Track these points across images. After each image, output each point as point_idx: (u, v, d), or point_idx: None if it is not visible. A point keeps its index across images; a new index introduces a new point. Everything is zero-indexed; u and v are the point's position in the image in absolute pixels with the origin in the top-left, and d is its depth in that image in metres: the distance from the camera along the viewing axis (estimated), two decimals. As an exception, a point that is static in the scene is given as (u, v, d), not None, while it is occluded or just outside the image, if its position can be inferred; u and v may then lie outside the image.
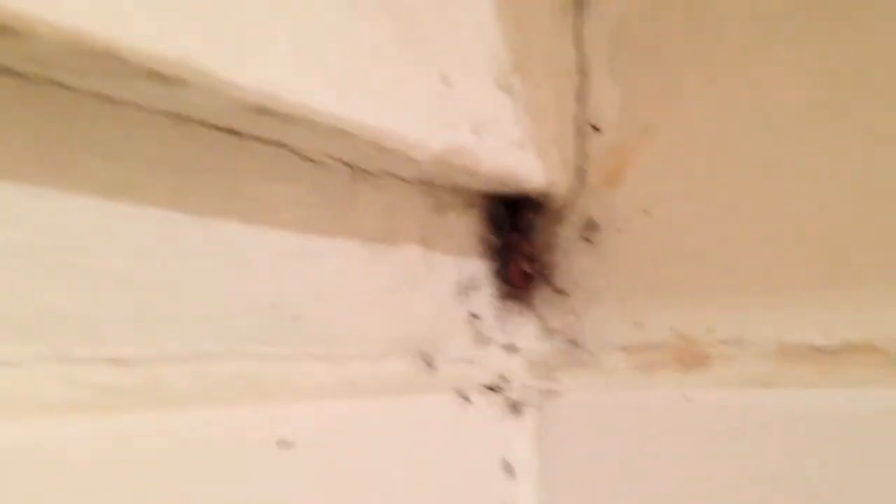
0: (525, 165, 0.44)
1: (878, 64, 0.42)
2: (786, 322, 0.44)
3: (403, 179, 0.42)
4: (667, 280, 0.47)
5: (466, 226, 0.47)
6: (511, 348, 0.48)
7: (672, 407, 0.46)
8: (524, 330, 0.49)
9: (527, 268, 0.48)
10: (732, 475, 0.43)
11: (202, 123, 0.33)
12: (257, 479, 0.33)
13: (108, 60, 0.26)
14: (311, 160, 0.38)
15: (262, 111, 0.32)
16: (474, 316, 0.47)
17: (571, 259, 0.49)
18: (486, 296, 0.48)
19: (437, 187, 0.44)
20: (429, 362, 0.43)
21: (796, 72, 0.44)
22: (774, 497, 0.42)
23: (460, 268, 0.46)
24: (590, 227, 0.49)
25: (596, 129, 0.49)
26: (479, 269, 0.47)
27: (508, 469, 0.47)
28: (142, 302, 0.31)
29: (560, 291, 0.49)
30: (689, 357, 0.46)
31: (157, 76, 0.28)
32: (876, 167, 0.42)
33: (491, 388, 0.46)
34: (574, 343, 0.49)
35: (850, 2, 0.42)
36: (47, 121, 0.29)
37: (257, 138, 0.35)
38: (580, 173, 0.49)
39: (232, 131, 0.34)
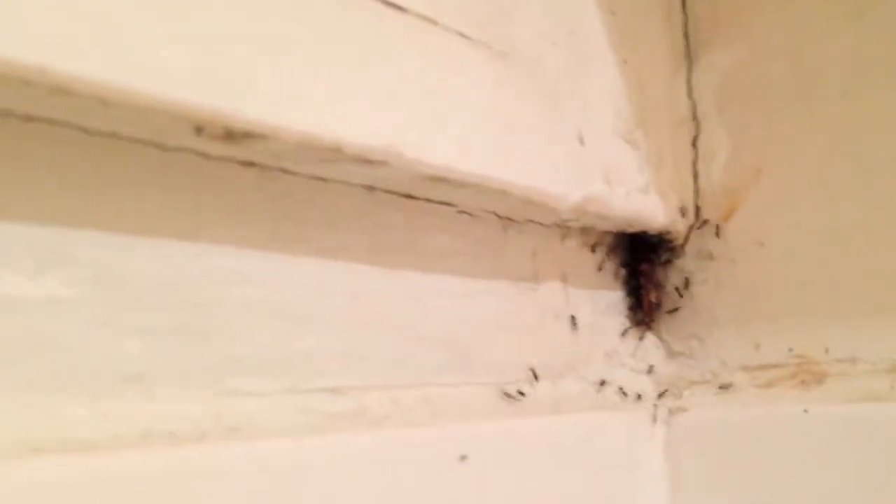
0: (649, 208, 0.50)
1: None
2: (897, 341, 0.48)
3: (544, 225, 0.49)
4: (782, 304, 0.52)
5: (598, 262, 0.53)
6: (641, 370, 0.54)
7: (792, 421, 0.50)
8: (653, 353, 0.54)
9: (654, 298, 0.53)
10: (849, 485, 0.47)
11: (387, 191, 0.40)
12: (441, 488, 0.39)
13: (332, 153, 0.33)
14: (469, 214, 0.44)
15: (439, 180, 0.38)
16: (610, 342, 0.52)
17: (692, 288, 0.54)
18: (618, 323, 0.53)
19: (573, 230, 0.50)
20: (570, 385, 0.49)
21: (894, 115, 0.48)
22: (888, 500, 0.46)
23: (595, 299, 0.52)
24: (707, 259, 0.54)
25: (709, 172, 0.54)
26: (610, 299, 0.53)
27: (643, 479, 0.52)
28: (349, 342, 0.38)
29: (683, 318, 0.54)
30: (807, 375, 0.50)
31: (365, 160, 0.35)
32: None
33: (624, 406, 0.52)
34: (699, 364, 0.54)
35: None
36: (276, 199, 0.36)
37: (428, 200, 0.42)
38: (697, 211, 0.54)
39: (408, 196, 0.41)
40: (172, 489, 0.29)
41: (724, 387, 0.53)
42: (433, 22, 0.37)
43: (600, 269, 0.53)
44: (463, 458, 0.40)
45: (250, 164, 0.35)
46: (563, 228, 0.50)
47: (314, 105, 0.32)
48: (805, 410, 0.49)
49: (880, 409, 0.47)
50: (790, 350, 0.51)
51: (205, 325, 0.32)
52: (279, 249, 0.36)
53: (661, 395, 0.54)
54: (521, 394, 0.45)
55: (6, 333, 0.27)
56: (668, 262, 0.55)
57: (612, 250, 0.54)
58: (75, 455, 0.28)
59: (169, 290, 0.32)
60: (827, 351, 0.50)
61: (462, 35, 0.39)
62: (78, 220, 0.29)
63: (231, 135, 0.31)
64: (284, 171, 0.36)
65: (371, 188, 0.39)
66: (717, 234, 0.54)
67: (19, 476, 0.26)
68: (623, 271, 0.54)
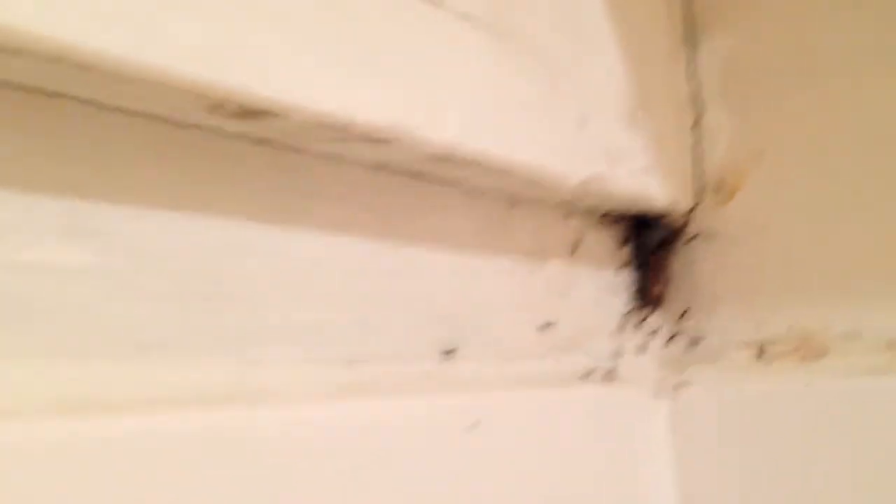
0: (651, 188, 0.51)
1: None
2: (896, 316, 0.49)
3: (549, 204, 0.50)
4: (784, 281, 0.53)
5: (601, 241, 0.54)
6: (645, 346, 0.55)
7: (793, 396, 0.51)
8: (658, 330, 0.55)
9: (660, 287, 0.54)
10: (850, 457, 0.48)
11: (394, 171, 0.41)
12: (453, 454, 0.41)
13: (341, 131, 0.35)
14: (475, 193, 0.46)
15: (445, 159, 0.40)
16: (614, 318, 0.54)
17: (696, 266, 0.55)
18: (622, 301, 0.55)
19: (577, 210, 0.52)
20: (576, 360, 0.50)
21: (894, 94, 0.49)
22: (889, 477, 0.47)
23: (599, 277, 0.53)
24: (709, 238, 0.55)
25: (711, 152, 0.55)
26: (614, 278, 0.54)
27: (646, 452, 0.53)
28: (360, 315, 0.39)
29: (686, 296, 0.56)
30: (809, 350, 0.52)
31: (373, 139, 0.36)
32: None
33: (630, 382, 0.53)
34: (702, 340, 0.55)
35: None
36: (288, 176, 0.37)
37: (435, 180, 0.43)
38: (699, 192, 0.55)
39: (415, 175, 0.43)
40: (196, 451, 0.31)
41: (726, 363, 0.54)
42: (439, 5, 0.39)
43: (604, 248, 0.54)
44: (474, 426, 0.42)
45: (264, 141, 0.36)
46: (568, 208, 0.51)
47: (326, 85, 0.34)
48: (806, 385, 0.51)
49: (880, 383, 0.49)
50: (792, 326, 0.52)
51: (224, 294, 0.34)
52: (293, 223, 0.37)
53: (664, 372, 0.55)
54: (525, 368, 0.46)
55: (37, 298, 0.29)
56: (672, 241, 0.56)
57: (615, 230, 0.55)
58: (102, 416, 0.29)
59: (191, 261, 0.33)
60: (828, 327, 0.51)
61: (466, 18, 0.40)
62: (104, 193, 0.31)
63: (245, 112, 0.32)
64: (296, 149, 0.37)
65: (379, 167, 0.41)
66: (721, 215, 0.55)
67: (48, 435, 0.28)
68: (627, 250, 0.55)
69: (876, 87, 0.50)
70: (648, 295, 0.55)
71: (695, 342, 0.55)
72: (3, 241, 0.28)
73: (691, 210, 0.55)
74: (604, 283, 0.54)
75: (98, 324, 0.30)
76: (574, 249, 0.52)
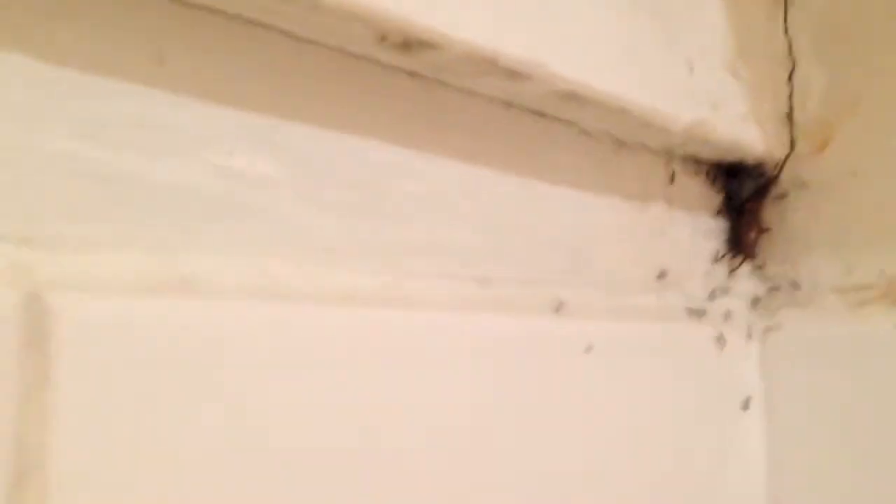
0: (749, 136, 0.54)
1: None
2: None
3: (652, 150, 0.53)
4: (874, 228, 0.55)
5: (699, 188, 0.57)
6: (738, 290, 0.58)
7: (881, 337, 0.53)
8: (749, 275, 0.58)
9: (755, 234, 0.57)
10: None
11: (521, 108, 0.45)
12: (569, 373, 0.44)
13: (489, 63, 0.38)
14: (589, 134, 0.49)
15: (571, 97, 0.43)
16: (709, 262, 0.56)
17: (788, 214, 0.58)
18: (718, 246, 0.57)
19: (677, 157, 0.54)
20: (674, 298, 0.53)
21: None
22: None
23: (696, 223, 0.56)
24: (801, 188, 0.57)
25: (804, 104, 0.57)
26: (711, 224, 0.57)
27: (737, 391, 0.56)
28: (490, 238, 0.43)
29: (779, 242, 0.58)
30: (897, 294, 0.54)
31: (512, 73, 0.39)
32: None
33: (723, 323, 0.56)
34: (793, 286, 0.58)
35: None
36: (434, 107, 0.41)
37: (556, 118, 0.46)
38: (792, 142, 0.58)
39: (539, 113, 0.46)
40: (360, 342, 0.35)
41: (817, 307, 0.56)
42: (572, -47, 0.42)
43: (702, 194, 0.57)
44: (588, 349, 0.45)
45: (416, 74, 0.39)
46: (669, 155, 0.54)
47: (478, 20, 0.37)
48: (894, 327, 0.53)
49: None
50: (882, 271, 0.55)
51: (380, 209, 0.38)
52: (435, 151, 0.41)
53: (757, 314, 0.58)
54: (629, 300, 0.49)
55: (228, 199, 0.32)
56: (766, 190, 0.58)
57: (713, 177, 0.58)
58: (284, 303, 0.33)
59: (354, 176, 0.37)
60: (917, 271, 0.53)
61: (594, -34, 0.43)
62: (285, 112, 0.34)
63: (407, 44, 0.36)
64: (442, 83, 0.41)
65: (509, 104, 0.44)
66: (813, 165, 0.57)
67: (236, 314, 0.32)
68: (723, 197, 0.58)
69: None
70: (742, 241, 0.58)
71: (786, 287, 0.58)
72: (208, 148, 0.32)
73: (785, 159, 0.58)
74: (701, 228, 0.56)
75: (276, 226, 0.34)
76: (674, 194, 0.54)
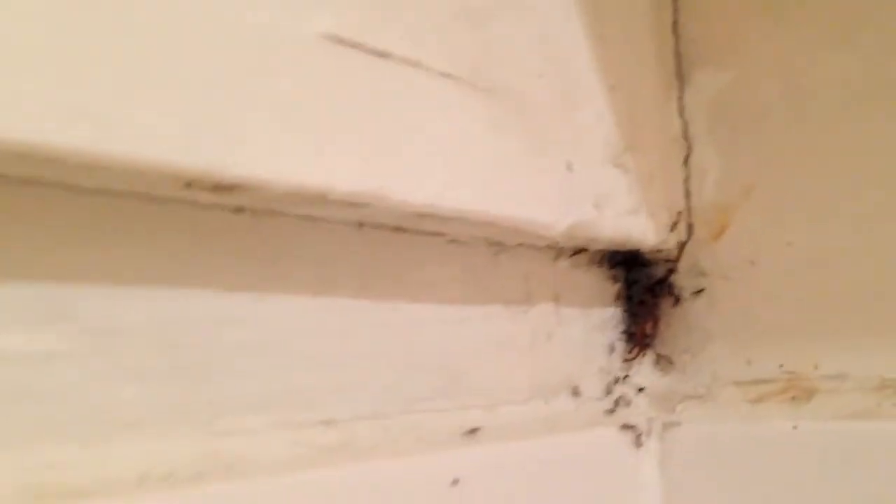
0: (638, 228, 0.51)
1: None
2: (885, 359, 0.49)
3: (536, 247, 0.50)
4: (773, 321, 0.52)
5: (590, 282, 0.54)
6: (634, 385, 0.55)
7: (782, 436, 0.51)
8: (646, 368, 0.55)
9: (650, 330, 0.54)
10: (837, 499, 0.48)
11: (376, 227, 0.41)
12: (433, 512, 0.41)
13: (319, 199, 0.35)
14: (460, 242, 0.46)
15: (426, 216, 0.40)
16: (602, 358, 0.53)
17: (686, 304, 0.55)
18: (611, 340, 0.55)
19: (565, 250, 0.52)
20: (564, 403, 0.50)
21: (886, 134, 0.49)
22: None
23: (587, 317, 0.53)
24: (699, 277, 0.55)
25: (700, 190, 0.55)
26: (603, 316, 0.54)
27: (638, 493, 0.53)
28: (341, 375, 0.39)
29: (676, 333, 0.56)
30: (797, 391, 0.51)
31: (351, 204, 0.36)
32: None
33: (619, 422, 0.53)
34: (691, 380, 0.55)
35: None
36: (267, 241, 0.37)
37: (418, 232, 0.43)
38: (689, 230, 0.55)
39: (398, 229, 0.42)
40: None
41: (716, 402, 0.54)
42: (417, 65, 0.38)
43: (593, 288, 0.54)
44: (455, 482, 0.42)
45: (241, 209, 0.36)
46: (556, 249, 0.51)
47: (300, 155, 0.34)
48: (794, 427, 0.50)
49: (868, 426, 0.48)
50: (781, 366, 0.52)
51: (199, 367, 0.34)
52: (271, 290, 0.37)
53: (655, 410, 0.55)
54: (511, 415, 0.46)
55: (5, 386, 0.29)
56: (662, 280, 0.56)
57: (605, 270, 0.55)
58: (75, 501, 0.29)
59: (164, 337, 0.33)
60: (816, 367, 0.51)
61: (446, 76, 0.40)
62: (73, 275, 0.31)
63: (220, 187, 0.32)
64: (274, 213, 0.37)
65: (360, 224, 0.41)
66: (710, 253, 0.54)
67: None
68: (617, 289, 0.55)
69: (864, 125, 0.50)
70: (638, 334, 0.55)
71: (685, 380, 0.55)
72: (-26, 330, 0.28)
73: (682, 247, 0.55)
74: (593, 324, 0.53)
75: (67, 408, 0.30)
76: (563, 291, 0.52)
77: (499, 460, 0.44)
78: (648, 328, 0.55)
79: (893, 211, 0.48)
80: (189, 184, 0.31)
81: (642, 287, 0.56)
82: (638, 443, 0.54)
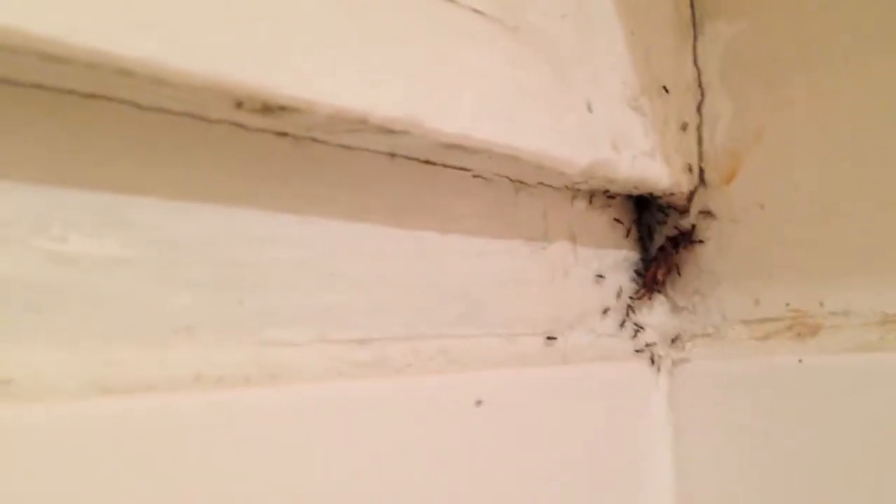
0: (654, 171, 0.53)
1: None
2: (888, 295, 0.51)
3: (554, 188, 0.52)
4: (780, 262, 0.54)
5: (606, 223, 0.56)
6: (647, 323, 0.57)
7: (787, 370, 0.53)
8: (658, 308, 0.58)
9: (663, 259, 0.56)
10: (841, 430, 0.50)
11: (407, 158, 0.43)
12: (459, 430, 0.43)
13: (358, 123, 0.37)
14: (484, 178, 0.48)
15: (455, 147, 0.41)
16: (616, 297, 0.56)
17: (697, 246, 0.57)
18: (626, 279, 0.57)
19: (582, 192, 0.53)
20: (580, 337, 0.53)
21: (891, 79, 0.51)
22: (878, 445, 0.50)
23: (603, 257, 0.55)
24: (710, 219, 0.57)
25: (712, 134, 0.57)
26: (618, 257, 0.57)
27: (648, 426, 0.56)
28: (374, 297, 0.41)
29: (687, 275, 0.58)
30: (803, 328, 0.54)
31: (388, 130, 0.38)
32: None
33: (631, 359, 0.55)
34: (701, 319, 0.57)
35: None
36: (307, 167, 0.39)
37: (445, 165, 0.45)
38: (701, 174, 0.57)
39: (427, 162, 0.44)
40: (223, 427, 0.33)
41: (724, 340, 0.56)
42: (451, 0, 0.40)
43: (608, 229, 0.56)
44: (479, 402, 0.44)
45: (284, 134, 0.38)
46: (573, 190, 0.53)
47: (342, 79, 0.35)
48: (800, 361, 0.53)
49: (870, 360, 0.51)
50: (787, 304, 0.54)
51: (246, 281, 0.36)
52: (311, 212, 0.39)
53: (665, 347, 0.57)
54: (529, 345, 0.48)
55: (74, 287, 0.31)
56: (675, 222, 0.58)
57: (620, 211, 0.57)
58: (137, 395, 0.32)
59: (214, 250, 0.35)
60: (822, 304, 0.53)
61: (476, 11, 0.41)
62: (133, 187, 0.33)
63: (268, 108, 0.34)
64: (315, 140, 0.39)
65: (393, 155, 0.43)
66: (721, 196, 0.56)
67: (87, 413, 0.30)
68: (631, 231, 0.57)
69: (873, 73, 0.51)
70: (651, 274, 0.57)
71: (694, 320, 0.57)
72: (42, 233, 0.30)
73: (694, 191, 0.57)
74: (607, 264, 0.56)
75: (127, 310, 0.32)
76: (580, 230, 0.54)
77: (519, 385, 0.47)
78: (660, 269, 0.57)
79: (894, 153, 0.50)
80: (240, 103, 0.33)
81: (655, 229, 0.58)
82: (649, 379, 0.56)
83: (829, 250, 0.53)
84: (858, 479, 0.50)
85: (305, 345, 0.39)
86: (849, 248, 0.52)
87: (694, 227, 0.57)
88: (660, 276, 0.57)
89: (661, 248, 0.57)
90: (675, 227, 0.58)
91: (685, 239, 0.57)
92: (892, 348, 0.50)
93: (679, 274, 0.58)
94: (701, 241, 0.57)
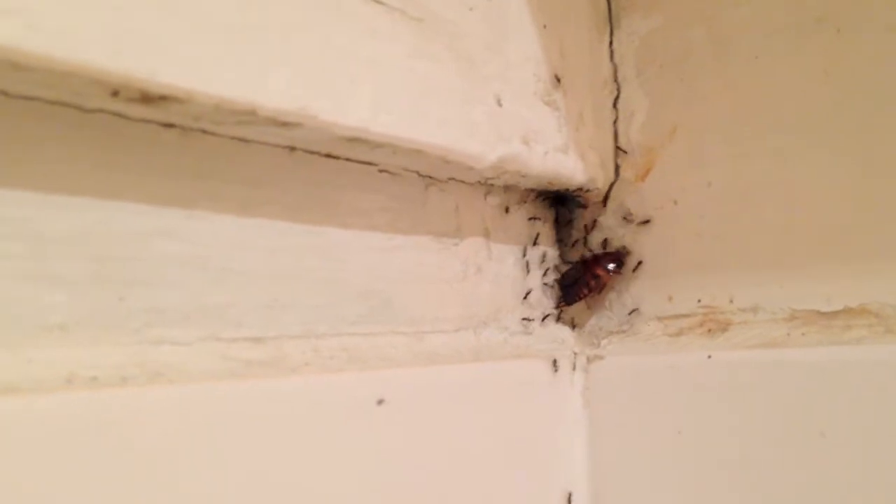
0: (567, 166, 0.53)
1: (872, 68, 0.49)
2: (795, 292, 0.51)
3: (467, 183, 0.51)
4: (693, 258, 0.55)
5: (519, 218, 0.55)
6: (561, 320, 0.57)
7: (697, 366, 0.53)
8: (573, 307, 0.57)
9: (577, 255, 0.56)
10: (748, 423, 0.51)
11: (307, 151, 0.42)
12: (359, 430, 0.42)
13: (247, 115, 0.35)
14: (391, 173, 0.47)
15: (355, 141, 0.40)
16: (529, 294, 0.55)
17: (614, 242, 0.57)
18: (538, 278, 0.56)
19: (496, 187, 0.53)
20: (492, 335, 0.52)
21: (801, 76, 0.51)
22: (785, 439, 0.50)
23: (516, 254, 0.55)
24: (625, 215, 0.57)
25: (627, 130, 0.57)
26: (533, 255, 0.56)
27: (563, 423, 0.55)
28: (270, 294, 0.40)
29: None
30: (713, 324, 0.54)
31: (280, 123, 0.37)
32: (871, 158, 0.49)
33: (545, 356, 0.55)
34: (615, 315, 0.57)
35: (845, 17, 0.49)
36: (198, 159, 0.38)
37: (349, 159, 0.44)
38: (617, 170, 0.57)
39: (329, 155, 0.43)
40: (95, 429, 0.32)
41: (638, 336, 0.56)
42: (348, -11, 0.39)
43: (522, 224, 0.55)
44: (380, 402, 0.43)
45: (171, 125, 0.36)
46: (486, 186, 0.53)
47: (229, 69, 0.34)
48: (709, 357, 0.53)
49: (777, 355, 0.51)
50: (699, 301, 0.54)
51: (127, 277, 0.35)
52: (201, 206, 0.38)
53: (580, 345, 0.57)
54: (438, 344, 0.48)
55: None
56: (589, 218, 0.58)
57: (534, 207, 0.56)
58: (3, 396, 0.30)
59: (91, 245, 0.34)
60: (731, 301, 0.53)
61: (377, 1, 0.40)
62: (8, 180, 0.31)
63: (148, 98, 0.33)
64: (205, 132, 0.38)
65: (292, 148, 0.41)
66: (636, 193, 0.56)
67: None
68: (545, 226, 0.57)
69: (782, 70, 0.52)
70: (578, 295, 0.56)
71: (609, 317, 0.57)
72: None
73: (610, 187, 0.57)
74: (521, 259, 0.55)
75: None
76: (492, 227, 0.53)
77: (424, 384, 0.46)
78: (588, 295, 0.57)
79: (803, 150, 0.50)
80: (115, 92, 0.32)
81: (570, 225, 0.57)
82: (564, 376, 0.56)
83: (739, 247, 0.53)
84: (766, 473, 0.50)
85: (194, 343, 0.37)
86: (758, 244, 0.52)
87: (625, 250, 0.57)
88: (587, 298, 0.57)
89: (586, 264, 0.56)
90: (604, 247, 0.57)
91: (616, 265, 0.56)
92: (799, 344, 0.50)
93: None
94: (609, 224, 0.57)
